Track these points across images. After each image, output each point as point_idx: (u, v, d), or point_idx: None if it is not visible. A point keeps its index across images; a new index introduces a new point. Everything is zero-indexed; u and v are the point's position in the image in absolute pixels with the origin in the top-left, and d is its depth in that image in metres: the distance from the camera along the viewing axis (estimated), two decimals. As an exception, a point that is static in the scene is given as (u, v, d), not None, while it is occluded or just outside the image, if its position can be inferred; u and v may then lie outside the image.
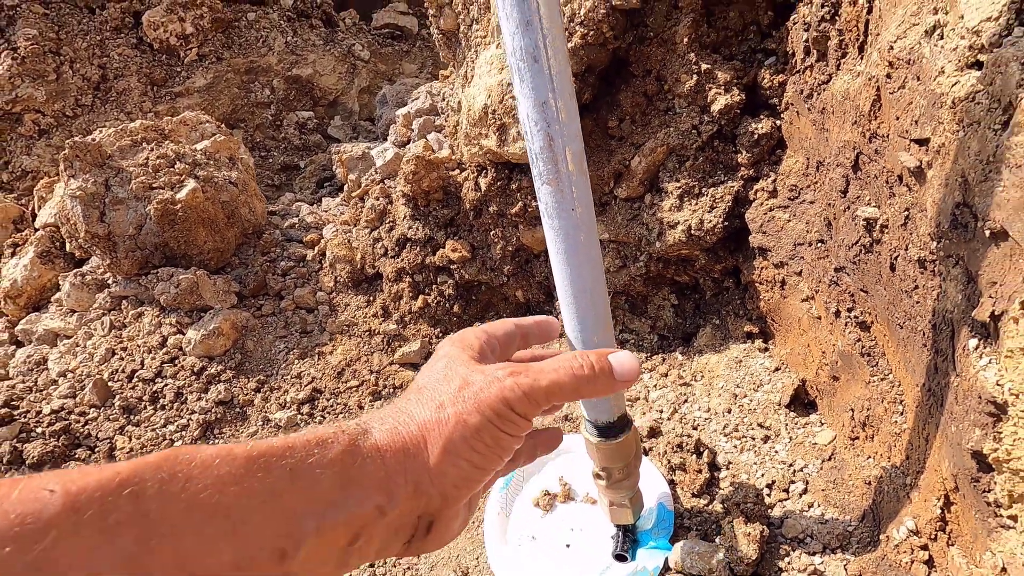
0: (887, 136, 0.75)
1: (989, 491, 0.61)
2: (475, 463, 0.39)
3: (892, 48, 0.71)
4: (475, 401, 0.39)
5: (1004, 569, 0.59)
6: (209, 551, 0.27)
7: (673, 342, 1.49)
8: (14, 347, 1.76)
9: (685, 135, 1.23)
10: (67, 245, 1.91)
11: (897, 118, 0.71)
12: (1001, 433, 0.56)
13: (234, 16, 2.90)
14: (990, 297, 0.57)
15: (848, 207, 0.90)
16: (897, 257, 0.78)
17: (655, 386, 1.37)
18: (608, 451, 0.88)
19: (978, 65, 0.57)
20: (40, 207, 2.13)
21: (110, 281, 1.75)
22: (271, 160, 2.95)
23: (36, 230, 2.08)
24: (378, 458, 0.35)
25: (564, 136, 0.67)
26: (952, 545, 0.69)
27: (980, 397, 0.59)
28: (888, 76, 0.73)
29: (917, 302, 0.74)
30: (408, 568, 1.13)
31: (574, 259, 0.75)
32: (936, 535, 0.72)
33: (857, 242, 0.88)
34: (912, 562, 0.75)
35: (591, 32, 1.16)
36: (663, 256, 1.36)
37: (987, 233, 0.57)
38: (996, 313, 0.56)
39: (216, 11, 2.79)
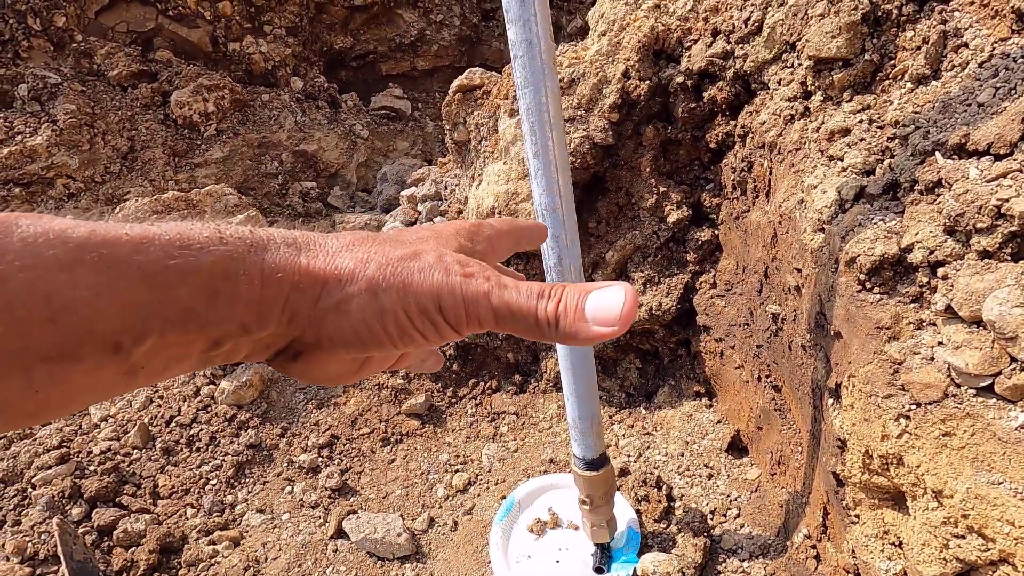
0: (781, 260, 1.12)
1: (843, 499, 0.93)
2: (362, 338, 0.33)
3: (781, 206, 1.08)
4: (403, 279, 0.32)
5: (853, 551, 0.91)
6: (21, 334, 0.24)
7: (638, 399, 1.81)
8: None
9: (648, 237, 1.60)
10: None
11: (785, 251, 1.08)
12: (844, 459, 0.90)
13: (251, 97, 3.24)
14: (835, 373, 0.92)
15: (762, 303, 1.26)
16: (792, 342, 1.13)
17: (623, 435, 1.67)
18: (592, 480, 1.17)
19: (823, 230, 0.95)
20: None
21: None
22: (275, 225, 3.22)
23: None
24: (257, 280, 0.30)
25: (570, 257, 1.01)
26: (829, 541, 1.01)
27: (834, 437, 0.92)
28: (780, 223, 1.10)
29: (804, 373, 1.09)
30: (424, 584, 1.36)
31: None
32: (821, 537, 1.04)
33: (768, 328, 1.24)
34: (806, 559, 1.06)
35: (578, 160, 1.53)
36: (630, 329, 1.70)
37: (832, 332, 0.92)
38: (838, 383, 0.91)
39: (236, 93, 3.13)
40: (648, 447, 1.60)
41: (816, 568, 1.04)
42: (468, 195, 1.88)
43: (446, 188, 2.30)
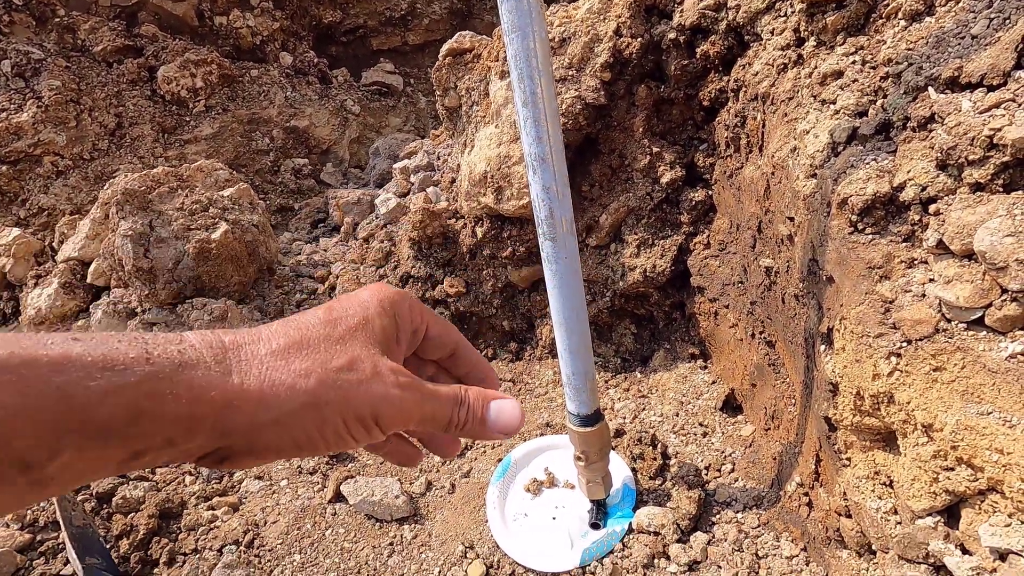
0: (774, 212, 1.11)
1: (835, 444, 0.94)
2: (300, 445, 0.34)
3: (774, 156, 1.08)
4: (344, 393, 0.34)
5: (845, 493, 0.92)
6: None
7: (633, 364, 1.82)
8: (44, 369, 1.93)
9: (641, 199, 1.59)
10: (91, 277, 2.10)
11: (778, 201, 1.07)
12: (836, 403, 0.90)
13: (239, 72, 3.19)
14: (827, 318, 0.92)
15: (756, 258, 1.26)
16: (785, 294, 1.13)
17: (619, 399, 1.68)
18: (587, 436, 1.18)
19: (815, 176, 0.94)
20: (62, 242, 2.32)
21: (139, 310, 1.96)
22: (268, 202, 3.20)
23: (57, 263, 2.27)
24: (185, 399, 0.30)
25: (561, 209, 1.00)
26: (821, 487, 1.02)
27: (826, 382, 0.93)
28: (772, 173, 1.09)
29: (797, 324, 1.09)
30: (423, 544, 1.37)
31: (565, 291, 1.07)
32: (813, 484, 1.05)
33: (762, 283, 1.23)
34: (799, 506, 1.07)
35: (570, 121, 1.51)
36: (625, 293, 1.70)
37: (824, 278, 0.92)
38: (830, 327, 0.91)
39: (224, 68, 3.08)
40: (643, 409, 1.60)
41: (808, 514, 1.05)
42: (460, 162, 1.86)
43: (439, 159, 2.28)
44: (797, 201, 0.98)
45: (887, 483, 0.86)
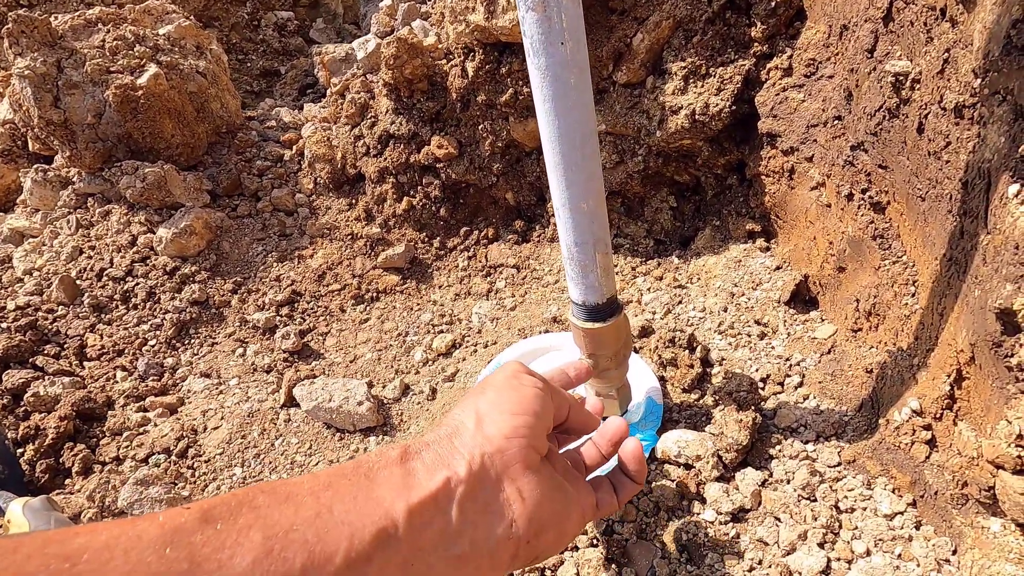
0: (932, -36, 0.64)
1: (1012, 355, 0.55)
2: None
3: None
4: (558, 535, 0.42)
5: (1021, 435, 0.54)
6: (321, 536, 0.32)
7: (670, 247, 1.42)
8: (-22, 247, 1.68)
9: (694, 5, 1.10)
10: (28, 141, 1.78)
11: (948, -66, 0.60)
12: (1038, 284, 0.50)
13: (202, -102, 2.62)
14: (1045, 126, 0.49)
15: (874, 68, 0.80)
16: (928, 114, 0.69)
17: (648, 289, 1.30)
18: (596, 335, 0.82)
19: None
20: (-2, 103, 1.98)
21: (74, 178, 1.64)
22: (249, 64, 2.76)
23: (-5, 128, 1.95)
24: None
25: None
26: (960, 420, 0.64)
27: (1017, 247, 0.52)
28: None
29: (947, 162, 0.66)
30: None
31: (563, 106, 0.65)
32: (942, 414, 0.67)
33: (882, 106, 0.79)
34: (913, 443, 0.71)
35: None
36: (663, 149, 1.26)
37: (1050, 49, 0.48)
38: (1050, 144, 0.48)
39: None
40: (680, 302, 1.23)
41: (928, 456, 0.69)
42: (446, -29, 1.37)
43: (430, -15, 1.78)
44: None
45: (1122, 427, 0.47)
